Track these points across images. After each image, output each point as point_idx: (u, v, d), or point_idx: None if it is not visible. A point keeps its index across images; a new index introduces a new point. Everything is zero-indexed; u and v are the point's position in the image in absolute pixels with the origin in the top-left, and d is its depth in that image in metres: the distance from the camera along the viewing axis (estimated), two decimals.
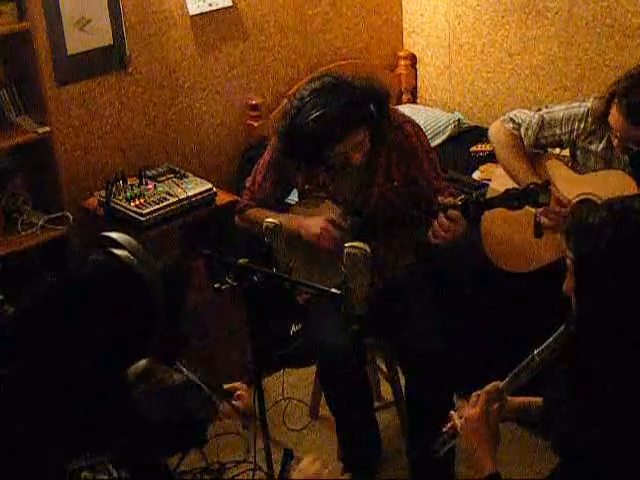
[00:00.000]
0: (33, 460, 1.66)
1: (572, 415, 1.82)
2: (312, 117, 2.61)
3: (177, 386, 2.02)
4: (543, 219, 2.90)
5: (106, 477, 1.64)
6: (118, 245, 1.76)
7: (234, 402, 2.26)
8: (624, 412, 1.73)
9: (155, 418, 1.91)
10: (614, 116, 2.73)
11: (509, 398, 2.09)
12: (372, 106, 2.68)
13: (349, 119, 2.62)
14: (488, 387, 2.04)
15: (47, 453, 1.65)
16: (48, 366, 1.67)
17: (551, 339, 1.93)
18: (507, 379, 2.03)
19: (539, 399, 2.12)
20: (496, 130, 3.06)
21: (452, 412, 2.08)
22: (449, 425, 2.08)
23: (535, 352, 1.96)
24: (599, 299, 1.75)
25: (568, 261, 1.82)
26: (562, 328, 1.90)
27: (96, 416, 1.67)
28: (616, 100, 2.71)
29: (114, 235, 1.79)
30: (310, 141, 2.65)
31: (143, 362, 1.89)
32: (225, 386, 2.28)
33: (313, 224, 2.80)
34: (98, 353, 1.69)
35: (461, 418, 2.02)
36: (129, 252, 1.74)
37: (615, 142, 2.79)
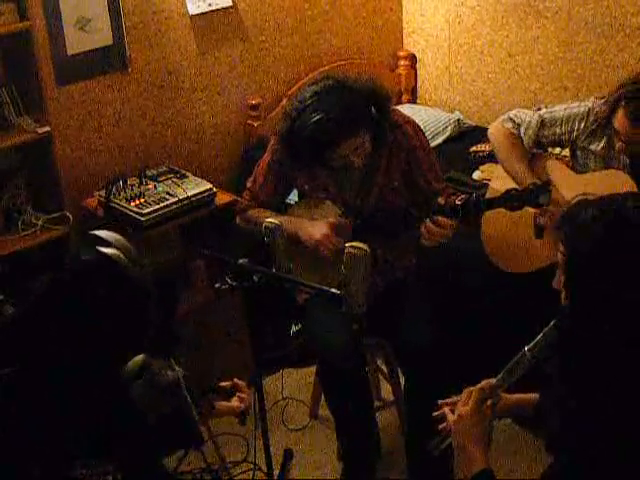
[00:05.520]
0: (31, 458, 1.66)
1: (564, 413, 1.83)
2: (313, 120, 2.60)
3: (170, 384, 2.02)
4: (540, 220, 2.90)
5: None
6: (107, 243, 1.76)
7: (231, 401, 2.26)
8: (614, 409, 1.73)
9: (148, 415, 1.91)
10: (620, 120, 2.72)
11: (506, 395, 2.10)
12: (373, 109, 2.68)
13: (350, 122, 2.62)
14: (480, 384, 2.04)
15: (45, 451, 1.66)
16: (44, 366, 1.68)
17: (541, 335, 1.94)
18: (499, 376, 2.03)
19: (535, 395, 2.12)
20: (496, 130, 3.06)
21: (445, 409, 2.08)
22: (445, 423, 2.08)
23: (526, 348, 1.96)
24: (589, 295, 1.76)
25: (559, 256, 1.83)
26: (552, 323, 1.91)
27: (92, 414, 1.68)
28: (622, 104, 2.70)
29: (102, 233, 1.79)
30: (311, 144, 2.64)
31: (140, 357, 1.89)
32: (222, 383, 2.28)
33: (314, 231, 2.78)
34: (91, 351, 1.69)
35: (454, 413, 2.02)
36: (118, 250, 1.74)
37: (618, 145, 2.79)
